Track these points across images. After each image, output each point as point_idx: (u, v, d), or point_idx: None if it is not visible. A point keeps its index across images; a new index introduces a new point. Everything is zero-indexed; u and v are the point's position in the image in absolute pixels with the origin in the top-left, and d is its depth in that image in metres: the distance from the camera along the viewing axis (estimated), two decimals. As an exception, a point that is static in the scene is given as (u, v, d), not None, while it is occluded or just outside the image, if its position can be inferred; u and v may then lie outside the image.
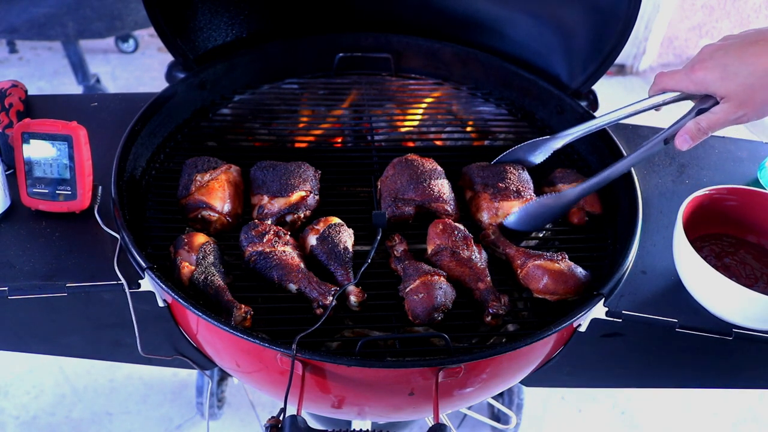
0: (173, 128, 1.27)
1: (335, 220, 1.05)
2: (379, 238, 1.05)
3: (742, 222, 1.07)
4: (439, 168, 1.14)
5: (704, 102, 0.97)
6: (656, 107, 1.04)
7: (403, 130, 1.37)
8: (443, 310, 0.94)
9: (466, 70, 1.45)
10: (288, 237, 1.03)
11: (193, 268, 0.96)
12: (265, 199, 1.09)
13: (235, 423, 1.94)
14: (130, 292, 0.96)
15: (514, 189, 1.11)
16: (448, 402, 1.01)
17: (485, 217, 1.11)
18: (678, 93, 1.00)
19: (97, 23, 2.55)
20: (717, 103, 0.94)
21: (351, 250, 1.02)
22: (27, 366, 2.03)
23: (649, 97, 1.03)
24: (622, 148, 1.18)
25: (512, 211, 1.09)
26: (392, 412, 1.04)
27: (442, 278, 0.96)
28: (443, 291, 0.94)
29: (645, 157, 1.04)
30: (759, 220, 1.06)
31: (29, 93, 1.31)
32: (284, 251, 0.99)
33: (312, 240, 1.02)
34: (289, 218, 1.09)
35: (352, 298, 0.95)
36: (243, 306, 0.91)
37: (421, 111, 1.43)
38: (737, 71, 0.89)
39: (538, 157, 1.18)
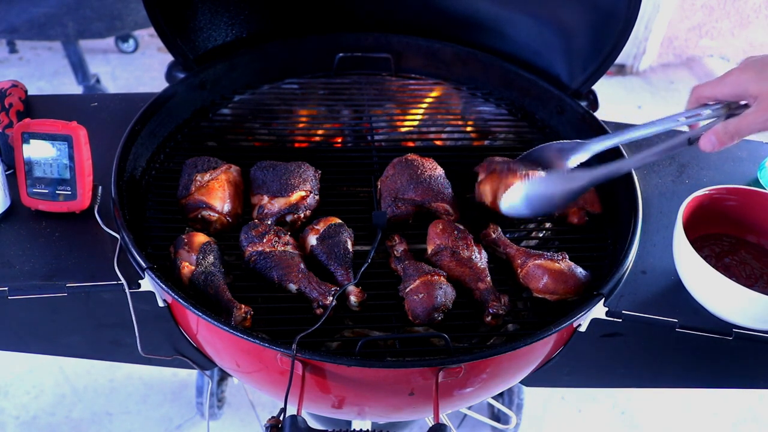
0: (173, 128, 1.27)
1: (335, 220, 1.05)
2: (379, 238, 1.05)
3: (742, 222, 1.07)
4: (439, 168, 1.14)
5: (736, 110, 0.94)
6: (691, 124, 1.00)
7: (403, 130, 1.37)
8: (443, 310, 0.94)
9: (466, 70, 1.45)
10: (288, 237, 1.03)
11: (193, 268, 0.96)
12: (265, 199, 1.09)
13: (235, 423, 1.94)
14: (130, 292, 0.96)
15: (524, 173, 1.09)
16: (448, 402, 1.01)
17: (487, 191, 1.10)
18: (714, 106, 0.96)
19: (97, 23, 2.54)
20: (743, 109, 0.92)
21: (351, 250, 1.02)
22: (27, 366, 2.03)
23: (685, 111, 0.99)
24: (621, 147, 1.18)
25: (515, 188, 1.05)
26: (392, 412, 1.04)
27: (442, 278, 0.96)
28: (443, 291, 0.94)
29: (665, 152, 0.99)
30: (759, 220, 1.06)
31: (29, 93, 1.31)
32: (284, 251, 0.99)
33: (312, 240, 1.02)
34: (289, 218, 1.09)
35: (352, 298, 0.95)
36: (243, 306, 0.91)
37: (421, 111, 1.43)
38: None
39: (569, 161, 1.10)
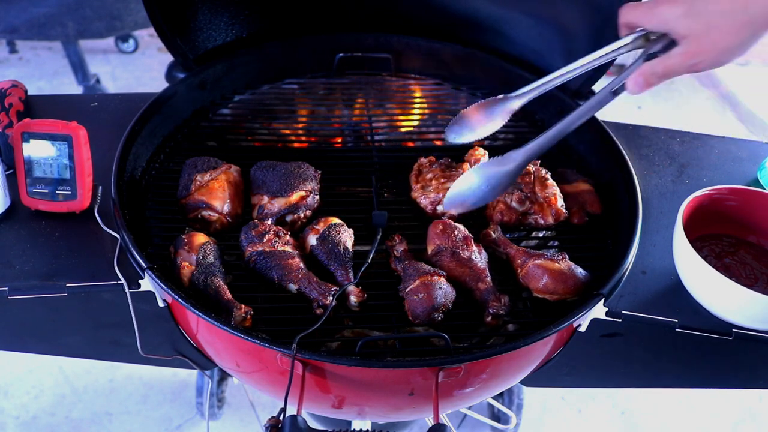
0: (173, 128, 1.27)
1: (335, 220, 1.05)
2: (379, 238, 1.05)
3: (742, 222, 1.07)
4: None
5: (655, 45, 0.90)
6: (613, 58, 0.95)
7: (403, 130, 1.37)
8: (443, 310, 0.94)
9: (466, 70, 1.45)
10: (288, 237, 1.03)
11: (193, 268, 0.96)
12: (265, 199, 1.09)
13: (235, 423, 1.94)
14: (130, 292, 0.96)
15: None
16: (448, 402, 1.01)
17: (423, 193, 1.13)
18: (638, 33, 0.93)
19: (97, 23, 2.55)
20: (670, 47, 0.87)
21: (351, 250, 1.02)
22: (27, 366, 2.03)
23: (615, 41, 0.95)
24: (621, 147, 1.18)
25: (451, 186, 1.03)
26: (392, 412, 1.04)
27: (442, 278, 0.96)
28: (443, 291, 0.94)
29: (593, 110, 0.96)
30: (759, 220, 1.06)
31: (29, 93, 1.31)
32: (284, 251, 0.99)
33: (312, 240, 1.02)
34: (289, 218, 1.09)
35: (352, 298, 0.95)
36: (243, 306, 0.91)
37: (421, 111, 1.43)
38: (701, 10, 0.82)
39: (497, 122, 1.05)
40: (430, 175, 1.15)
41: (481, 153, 1.16)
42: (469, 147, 1.17)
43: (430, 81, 1.48)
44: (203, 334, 0.98)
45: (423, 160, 1.19)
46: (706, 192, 1.04)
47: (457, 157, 1.19)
